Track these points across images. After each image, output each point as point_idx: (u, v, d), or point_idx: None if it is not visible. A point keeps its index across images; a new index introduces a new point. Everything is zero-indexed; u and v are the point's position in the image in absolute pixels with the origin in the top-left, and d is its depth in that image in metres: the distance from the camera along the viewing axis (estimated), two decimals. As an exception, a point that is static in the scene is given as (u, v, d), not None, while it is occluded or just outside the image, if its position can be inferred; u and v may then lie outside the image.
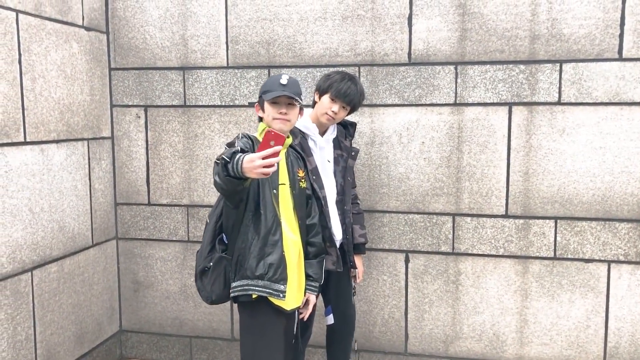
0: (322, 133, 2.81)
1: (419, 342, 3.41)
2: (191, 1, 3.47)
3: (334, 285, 2.87)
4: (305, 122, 2.74)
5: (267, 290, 2.32)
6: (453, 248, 3.29)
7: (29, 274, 2.95)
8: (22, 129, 2.87)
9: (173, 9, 3.50)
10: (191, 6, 3.47)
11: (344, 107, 2.73)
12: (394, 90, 3.26)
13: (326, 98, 2.71)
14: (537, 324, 3.25)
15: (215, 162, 2.16)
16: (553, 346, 3.24)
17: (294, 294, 2.42)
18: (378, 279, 3.40)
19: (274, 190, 2.36)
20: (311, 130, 2.74)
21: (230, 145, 2.27)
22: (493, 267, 3.27)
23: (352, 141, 2.98)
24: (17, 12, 2.83)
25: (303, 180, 2.50)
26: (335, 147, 2.85)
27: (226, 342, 3.67)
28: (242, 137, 2.34)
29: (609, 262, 3.13)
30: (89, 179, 3.45)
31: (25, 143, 2.90)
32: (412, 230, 3.33)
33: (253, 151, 2.24)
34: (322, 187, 2.71)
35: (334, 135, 2.86)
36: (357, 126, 3.07)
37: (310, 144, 2.74)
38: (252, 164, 2.02)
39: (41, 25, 3.00)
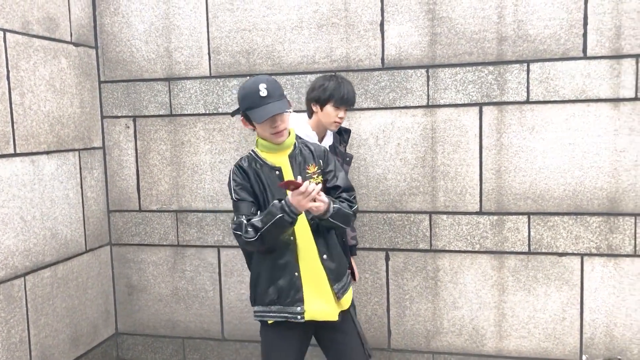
0: (321, 140, 2.91)
1: (401, 337, 3.50)
2: (174, 15, 3.62)
3: None
4: (306, 130, 2.82)
5: (283, 315, 2.32)
6: (431, 245, 3.39)
7: (22, 279, 3.10)
8: (11, 142, 3.03)
9: (157, 23, 3.65)
10: (174, 19, 3.62)
11: (346, 110, 2.86)
12: (369, 95, 3.38)
13: (330, 107, 2.80)
14: (514, 317, 3.34)
15: (236, 233, 2.25)
16: (531, 339, 3.32)
17: (323, 307, 2.33)
18: (360, 277, 3.51)
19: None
20: (312, 138, 2.80)
21: (237, 201, 2.32)
22: (470, 263, 3.36)
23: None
24: (5, 31, 2.99)
25: (315, 176, 2.38)
26: (332, 153, 2.91)
27: (217, 342, 3.79)
28: (235, 178, 2.33)
29: (582, 255, 3.21)
30: (81, 188, 3.60)
31: (15, 155, 3.05)
32: (391, 229, 3.43)
33: (249, 182, 2.33)
34: None
35: (331, 142, 2.94)
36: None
37: None
38: (301, 206, 2.16)
39: (29, 43, 3.16)
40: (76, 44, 3.56)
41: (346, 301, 2.42)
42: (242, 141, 3.60)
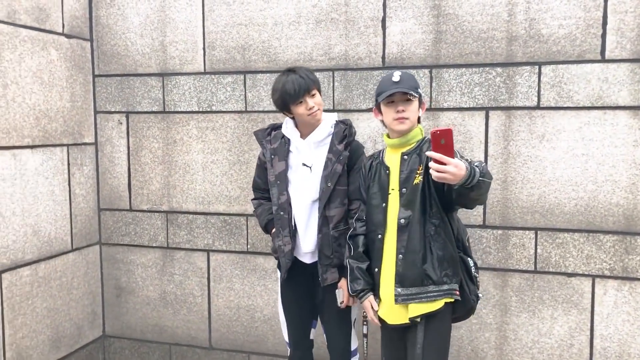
0: (306, 135, 2.68)
1: (395, 356, 3.27)
2: (170, 7, 3.48)
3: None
4: (289, 129, 2.70)
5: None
6: (429, 259, 3.15)
7: (-3, 277, 2.99)
8: (-9, 134, 2.93)
9: (153, 16, 3.51)
10: (170, 12, 3.48)
11: (312, 95, 2.58)
12: (368, 95, 3.17)
13: (294, 107, 2.59)
14: (517, 340, 3.08)
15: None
16: (535, 365, 3.06)
17: (387, 307, 2.37)
18: (353, 290, 3.29)
19: (383, 204, 2.36)
20: (293, 137, 2.68)
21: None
22: (471, 280, 3.11)
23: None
24: (-13, 19, 2.89)
25: (418, 174, 2.27)
26: (328, 151, 2.65)
27: (204, 350, 3.63)
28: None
29: (594, 277, 2.94)
30: (69, 185, 3.48)
31: (-6, 148, 2.95)
32: (387, 240, 3.21)
33: (364, 178, 2.50)
34: (283, 191, 2.64)
35: (321, 137, 2.65)
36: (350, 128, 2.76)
37: (291, 147, 2.69)
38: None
39: (15, 33, 3.05)
40: (68, 36, 3.45)
41: (412, 311, 2.28)
42: (235, 141, 3.43)
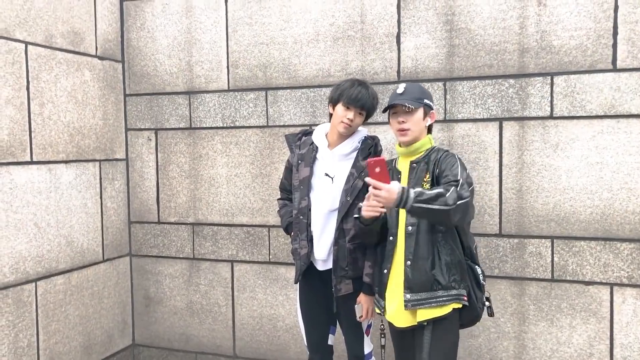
0: (334, 146, 2.75)
1: (414, 365, 3.31)
2: (196, 29, 3.66)
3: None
4: (318, 137, 2.78)
5: (380, 305, 2.52)
6: (446, 268, 3.20)
7: (33, 284, 3.16)
8: (28, 150, 3.12)
9: (180, 37, 3.70)
10: (196, 34, 3.66)
11: (359, 113, 2.67)
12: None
13: (340, 107, 2.67)
14: (536, 349, 3.08)
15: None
16: (554, 374, 3.06)
17: (394, 310, 2.40)
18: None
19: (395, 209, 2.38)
20: (321, 145, 2.76)
21: None
22: (488, 289, 3.13)
23: None
24: (27, 43, 3.11)
25: (425, 183, 2.35)
26: (352, 165, 2.72)
27: (228, 358, 3.73)
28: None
29: (612, 285, 2.93)
30: (101, 198, 3.66)
31: (31, 162, 3.14)
32: (405, 250, 3.27)
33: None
34: (304, 196, 2.73)
35: (347, 151, 2.73)
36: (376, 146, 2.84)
37: (318, 155, 2.77)
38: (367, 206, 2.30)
39: (51, 55, 3.27)
40: (101, 58, 3.66)
41: (421, 316, 2.33)
42: (257, 155, 3.56)
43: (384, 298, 2.46)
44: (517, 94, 3.03)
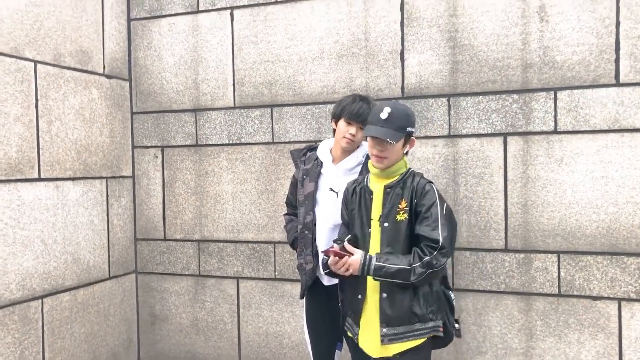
0: (337, 162, 2.77)
1: (421, 382, 3.28)
2: (202, 48, 3.71)
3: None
4: (322, 152, 2.80)
5: (352, 330, 2.48)
6: (453, 284, 3.19)
7: (39, 301, 3.16)
8: (36, 167, 3.15)
9: (186, 56, 3.75)
10: (202, 52, 3.71)
11: (361, 128, 2.66)
12: (389, 124, 3.28)
13: (342, 123, 2.69)
14: (544, 366, 3.06)
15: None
16: (563, 391, 3.02)
17: (368, 340, 2.36)
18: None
19: (368, 229, 2.36)
20: (325, 160, 2.78)
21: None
22: (495, 304, 3.13)
23: None
24: (36, 62, 3.16)
25: (402, 212, 2.29)
26: None
27: (234, 376, 3.71)
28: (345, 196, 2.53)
29: (619, 300, 2.92)
30: (107, 215, 3.68)
31: (39, 179, 3.17)
32: (411, 265, 3.26)
33: (347, 200, 2.52)
34: (309, 211, 2.74)
35: (351, 166, 2.74)
36: None
37: (323, 170, 2.79)
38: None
39: (60, 74, 3.32)
40: (109, 76, 3.71)
41: (394, 349, 2.30)
42: (263, 171, 3.58)
43: (358, 325, 2.39)
44: (521, 109, 3.05)
